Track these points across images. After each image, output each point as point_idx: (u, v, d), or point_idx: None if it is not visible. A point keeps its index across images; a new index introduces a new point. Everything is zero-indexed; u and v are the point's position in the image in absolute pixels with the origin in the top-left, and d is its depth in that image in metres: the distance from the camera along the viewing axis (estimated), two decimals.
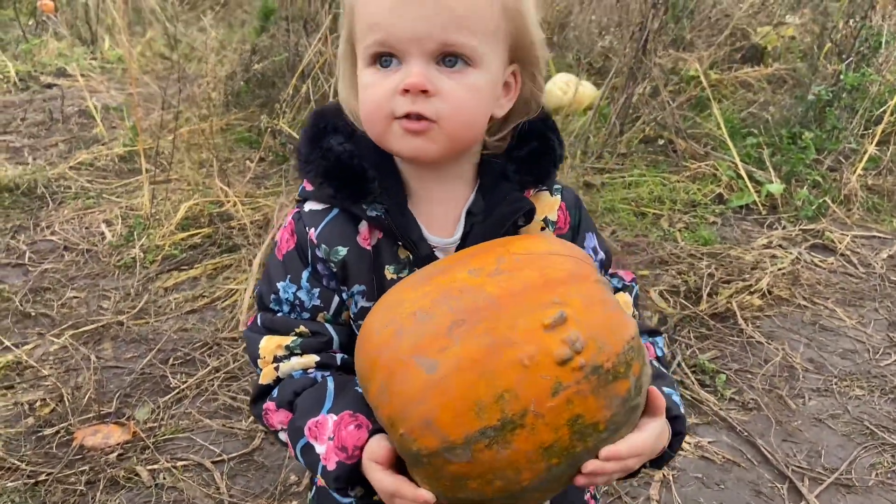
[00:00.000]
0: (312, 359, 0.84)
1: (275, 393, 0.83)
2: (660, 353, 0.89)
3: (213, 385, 2.06)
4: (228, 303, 2.51)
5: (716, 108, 3.96)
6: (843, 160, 3.79)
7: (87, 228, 3.08)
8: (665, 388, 0.80)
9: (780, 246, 3.03)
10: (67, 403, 1.95)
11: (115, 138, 4.21)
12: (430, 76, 0.73)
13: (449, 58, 0.74)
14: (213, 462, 1.74)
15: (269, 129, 3.91)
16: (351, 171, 0.80)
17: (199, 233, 2.98)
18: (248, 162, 3.88)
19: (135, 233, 2.97)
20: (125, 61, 6.01)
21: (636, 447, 0.71)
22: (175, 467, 1.72)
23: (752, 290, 2.61)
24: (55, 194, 3.40)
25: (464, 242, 0.82)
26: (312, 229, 0.82)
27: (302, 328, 0.84)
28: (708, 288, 2.59)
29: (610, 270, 0.93)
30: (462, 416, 0.63)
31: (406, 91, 0.73)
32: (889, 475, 1.82)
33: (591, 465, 0.68)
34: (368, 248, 0.83)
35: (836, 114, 3.97)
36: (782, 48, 5.65)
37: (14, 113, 4.75)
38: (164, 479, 1.69)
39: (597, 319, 0.67)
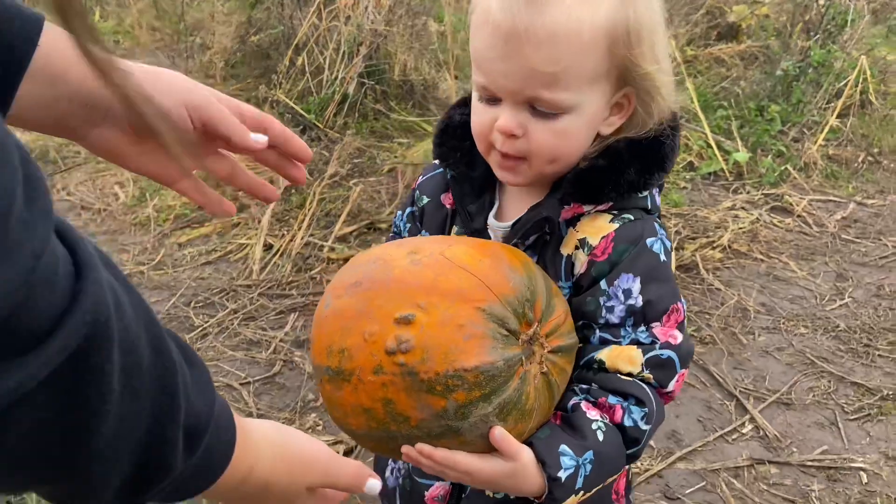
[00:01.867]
0: None
1: None
2: (626, 423, 0.78)
3: (233, 324, 2.31)
4: (240, 255, 2.75)
5: (689, 84, 4.22)
6: (807, 131, 4.07)
7: (100, 190, 3.30)
8: (563, 447, 0.76)
9: (742, 208, 3.31)
10: None
11: None
12: (521, 120, 0.78)
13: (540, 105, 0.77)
14: (240, 384, 2.00)
15: (268, 100, 4.12)
16: (454, 134, 0.89)
17: None
18: None
19: (147, 194, 3.19)
20: (118, 33, 6.16)
21: (456, 462, 0.73)
22: None
23: (714, 245, 2.89)
24: (66, 159, 3.59)
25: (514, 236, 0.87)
26: (421, 178, 0.98)
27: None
28: (675, 243, 2.86)
29: (653, 325, 0.81)
30: (320, 349, 0.76)
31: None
32: (824, 396, 2.12)
33: (405, 449, 0.74)
34: (449, 206, 0.94)
35: (802, 88, 4.25)
36: (756, 26, 5.91)
37: None
38: None
39: (438, 337, 0.70)
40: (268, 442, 0.62)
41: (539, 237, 0.84)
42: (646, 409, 0.79)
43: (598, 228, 0.82)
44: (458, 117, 0.89)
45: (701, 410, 2.03)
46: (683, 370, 0.82)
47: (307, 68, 4.22)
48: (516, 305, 0.73)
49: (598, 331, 0.82)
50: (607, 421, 0.79)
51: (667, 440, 1.92)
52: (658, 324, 0.81)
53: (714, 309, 2.49)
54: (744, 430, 1.97)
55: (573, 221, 0.84)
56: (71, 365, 0.38)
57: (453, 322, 0.71)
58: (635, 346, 0.80)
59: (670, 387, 0.81)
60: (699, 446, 1.90)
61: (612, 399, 0.79)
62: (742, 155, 3.75)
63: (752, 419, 2.00)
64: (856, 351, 2.32)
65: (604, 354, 0.81)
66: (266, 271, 2.62)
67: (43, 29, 0.62)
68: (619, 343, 0.81)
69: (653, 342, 0.81)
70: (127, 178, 3.35)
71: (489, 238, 0.89)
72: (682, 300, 0.84)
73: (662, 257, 0.82)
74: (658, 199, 0.87)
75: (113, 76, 0.49)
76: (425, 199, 0.96)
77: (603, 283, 0.81)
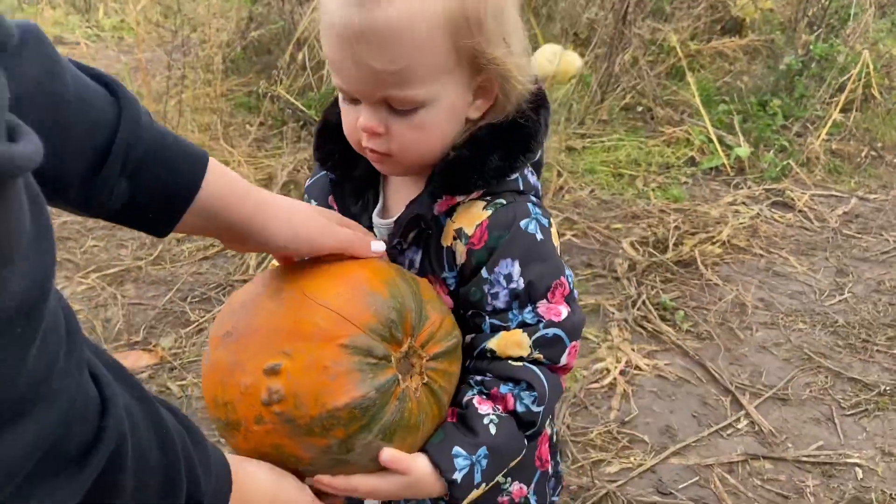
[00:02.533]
0: None
1: None
2: (519, 409, 0.81)
3: None
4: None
5: (690, 78, 4.20)
6: (810, 126, 4.04)
7: None
8: (456, 448, 0.79)
9: (743, 203, 3.29)
10: (100, 333, 2.19)
11: None
12: (381, 118, 0.78)
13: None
14: None
15: (268, 95, 4.12)
16: (332, 135, 0.88)
17: None
18: (247, 126, 4.09)
19: None
20: (121, 29, 6.17)
21: (355, 487, 0.78)
22: (201, 382, 1.98)
23: (713, 240, 2.88)
24: None
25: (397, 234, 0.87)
26: (309, 180, 0.98)
27: None
28: (674, 239, 2.85)
29: (539, 304, 0.83)
30: (209, 401, 0.80)
31: None
32: (821, 392, 2.10)
33: (307, 481, 0.78)
34: (336, 208, 0.94)
35: (805, 82, 4.22)
36: (760, 20, 5.87)
37: None
38: (193, 391, 1.95)
39: (306, 382, 0.72)
40: (261, 493, 0.72)
41: (419, 232, 0.86)
42: (535, 393, 0.81)
43: (472, 217, 0.83)
44: (333, 118, 0.88)
45: (696, 406, 2.02)
46: (573, 342, 0.85)
47: (308, 63, 4.21)
48: (381, 330, 0.75)
49: (487, 318, 0.84)
50: (500, 412, 0.82)
51: (660, 435, 1.91)
52: (544, 301, 0.83)
53: (711, 304, 2.48)
54: (739, 426, 1.96)
55: (451, 212, 0.85)
56: (94, 482, 0.49)
57: (318, 365, 0.72)
58: (521, 330, 0.83)
59: (563, 361, 0.84)
60: (693, 441, 1.89)
61: (503, 388, 0.82)
62: (744, 150, 3.73)
63: (748, 414, 1.99)
64: (854, 346, 2.31)
65: (493, 343, 0.83)
66: (262, 267, 2.62)
67: (207, 167, 0.71)
68: (507, 327, 0.83)
69: (538, 321, 0.83)
70: None
71: (373, 232, 0.90)
72: (568, 272, 0.86)
73: (539, 236, 0.83)
74: (533, 179, 0.87)
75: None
76: (313, 203, 0.95)
77: (484, 272, 0.82)
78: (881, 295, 2.62)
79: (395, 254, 0.88)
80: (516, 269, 0.82)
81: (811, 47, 4.30)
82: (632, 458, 1.83)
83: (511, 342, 0.83)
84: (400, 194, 0.90)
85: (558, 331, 0.83)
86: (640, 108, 4.31)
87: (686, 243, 2.84)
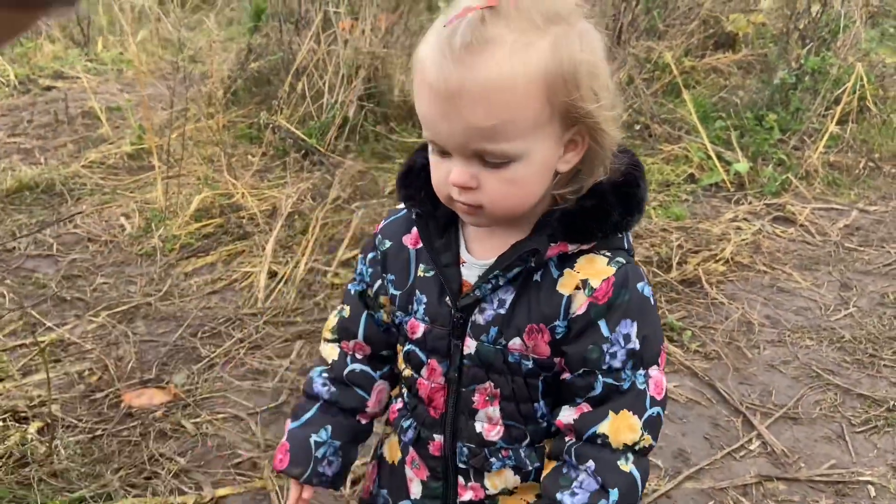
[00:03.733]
0: (333, 353, 1.05)
1: (311, 380, 1.06)
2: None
3: (239, 353, 2.33)
4: (245, 284, 2.77)
5: (686, 95, 4.24)
6: (807, 139, 4.08)
7: (106, 221, 3.33)
8: None
9: (745, 219, 3.31)
10: (112, 372, 2.21)
11: (121, 137, 4.44)
12: (473, 172, 0.79)
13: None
14: (248, 414, 2.02)
15: (269, 126, 4.16)
16: (418, 175, 0.90)
17: (212, 223, 3.23)
18: (249, 157, 4.13)
19: (153, 224, 3.22)
20: (121, 62, 6.23)
21: None
22: (215, 419, 1.99)
23: (717, 258, 2.90)
24: (73, 191, 3.63)
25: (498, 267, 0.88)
26: (383, 223, 1.00)
27: (347, 310, 1.04)
28: (678, 258, 2.87)
29: (651, 369, 0.87)
30: None
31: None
32: (831, 409, 2.12)
33: None
34: (413, 247, 0.95)
35: (800, 96, 4.26)
36: (753, 35, 5.94)
37: (20, 115, 4.96)
38: (207, 429, 1.96)
39: None
40: None
41: (520, 273, 0.86)
42: (612, 491, 0.86)
43: (598, 271, 0.85)
44: (420, 160, 0.90)
45: (707, 428, 2.03)
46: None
47: (307, 93, 4.26)
48: None
49: (601, 376, 0.86)
50: None
51: (674, 459, 1.92)
52: (655, 367, 0.87)
53: (718, 323, 2.50)
54: (751, 447, 1.97)
55: (563, 260, 0.87)
56: None
57: None
58: (630, 412, 0.86)
59: (658, 441, 0.88)
60: (706, 465, 1.90)
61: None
62: (743, 165, 3.76)
63: (759, 435, 2.00)
64: (861, 362, 2.32)
65: (606, 427, 0.85)
66: (271, 299, 2.64)
67: None
68: (619, 387, 0.86)
69: (645, 398, 0.87)
70: (132, 209, 3.39)
71: (458, 274, 0.90)
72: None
73: (651, 300, 0.87)
74: (630, 241, 0.91)
75: None
76: (387, 244, 0.97)
77: (604, 330, 0.84)
78: (885, 308, 2.64)
79: (485, 291, 0.88)
80: (634, 329, 0.85)
81: (803, 61, 4.34)
82: (647, 484, 1.83)
83: (624, 426, 0.86)
84: (486, 235, 0.91)
85: (660, 410, 0.88)
86: (637, 127, 4.35)
87: (690, 262, 2.87)
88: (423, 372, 0.95)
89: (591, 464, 0.86)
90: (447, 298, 0.91)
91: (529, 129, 0.77)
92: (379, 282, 0.99)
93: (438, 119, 0.77)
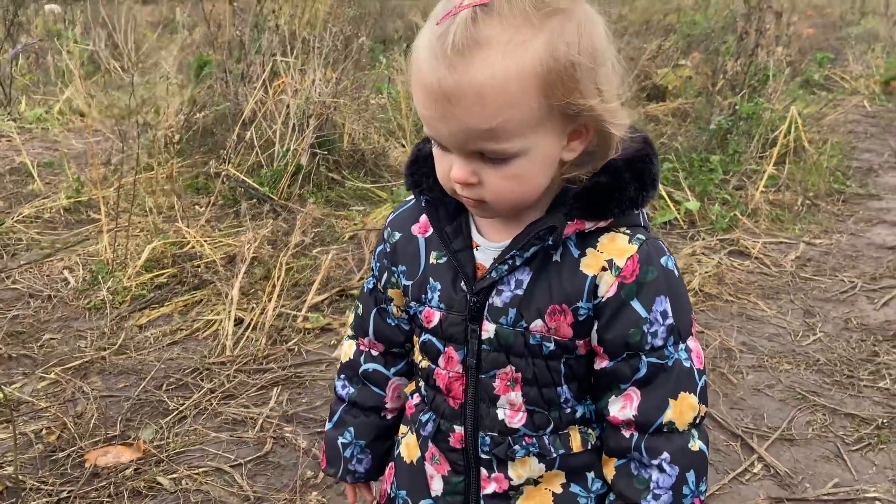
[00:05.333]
0: (350, 351, 1.07)
1: (335, 380, 1.11)
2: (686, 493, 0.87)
3: (211, 404, 2.17)
4: (210, 332, 2.61)
5: None
6: (746, 179, 4.25)
7: (47, 276, 3.11)
8: None
9: (703, 254, 3.38)
10: (73, 429, 2.01)
11: (55, 191, 4.22)
12: (473, 169, 0.78)
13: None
14: (230, 466, 1.86)
15: (218, 175, 4.04)
16: (424, 162, 0.89)
17: (164, 273, 3.06)
18: (197, 207, 3.98)
19: (99, 277, 3.02)
20: (45, 120, 5.99)
21: None
22: (195, 474, 1.83)
23: (687, 289, 2.93)
24: (7, 247, 3.40)
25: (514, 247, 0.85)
26: (391, 216, 0.98)
27: (360, 308, 1.04)
28: None
29: (689, 341, 0.87)
30: None
31: None
32: (823, 429, 2.12)
33: None
34: (422, 235, 0.93)
35: (736, 139, 4.46)
36: (681, 87, 6.24)
37: None
38: (187, 484, 1.79)
39: None
40: None
41: (537, 253, 0.85)
42: (703, 478, 0.89)
43: (621, 250, 0.83)
44: (426, 148, 0.89)
45: (710, 453, 2.00)
46: None
47: (256, 142, 4.17)
48: None
49: (644, 357, 0.85)
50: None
51: None
52: (691, 337, 0.88)
53: None
54: (755, 470, 1.94)
55: (582, 239, 0.85)
56: None
57: None
58: (688, 393, 0.86)
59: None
60: (716, 490, 1.86)
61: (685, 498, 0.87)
62: (693, 204, 3.87)
63: (761, 458, 1.98)
64: (841, 383, 2.36)
65: (671, 415, 0.85)
66: (240, 346, 2.49)
67: None
68: (664, 365, 0.85)
69: (692, 369, 0.87)
70: (75, 263, 3.18)
71: (472, 258, 0.88)
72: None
73: (676, 273, 0.87)
74: (646, 216, 0.91)
75: None
76: (396, 235, 0.96)
77: (640, 310, 0.83)
78: (851, 332, 2.71)
79: (501, 272, 0.86)
80: (668, 305, 0.84)
81: (738, 107, 4.56)
82: None
83: (686, 408, 0.86)
84: (495, 219, 0.89)
85: (705, 377, 0.89)
86: None
87: None
88: (440, 361, 0.92)
89: (665, 455, 0.86)
90: (462, 283, 0.89)
91: (528, 127, 0.75)
92: (386, 275, 0.98)
93: (437, 120, 0.76)
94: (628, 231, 0.84)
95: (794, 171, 4.31)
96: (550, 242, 0.83)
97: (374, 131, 4.73)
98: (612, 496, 0.90)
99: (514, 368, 0.88)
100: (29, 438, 1.97)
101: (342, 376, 1.07)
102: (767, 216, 3.92)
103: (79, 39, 7.15)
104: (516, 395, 0.89)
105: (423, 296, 0.92)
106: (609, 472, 0.90)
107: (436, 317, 0.90)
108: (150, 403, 2.19)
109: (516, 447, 0.90)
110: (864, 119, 6.16)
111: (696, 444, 0.87)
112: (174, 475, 1.84)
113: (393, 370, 1.04)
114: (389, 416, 1.06)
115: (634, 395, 0.86)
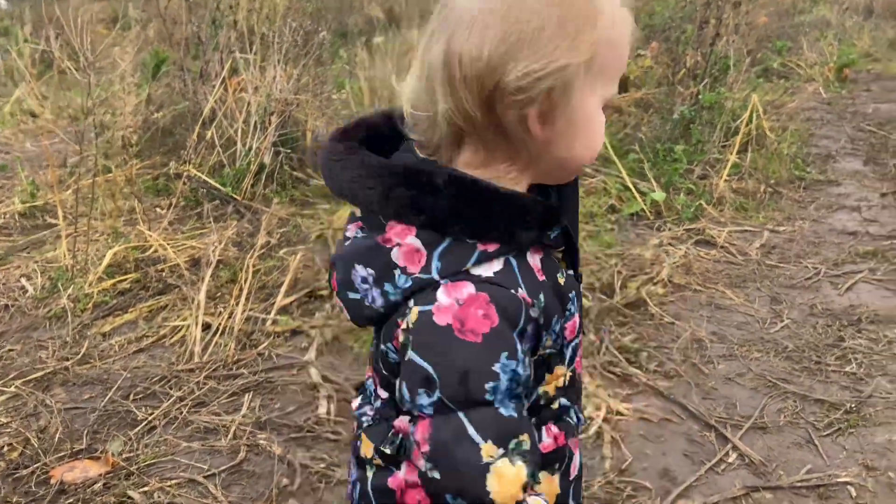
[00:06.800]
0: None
1: None
2: None
3: (181, 413, 2.11)
4: (176, 339, 2.55)
5: None
6: (710, 168, 4.29)
7: (4, 284, 3.01)
8: None
9: (670, 244, 3.41)
10: (36, 445, 1.95)
11: (8, 196, 4.09)
12: None
13: None
14: (204, 476, 1.82)
15: (179, 176, 3.94)
16: (505, 208, 0.74)
17: (127, 278, 2.98)
18: (158, 209, 3.89)
19: (59, 284, 2.93)
20: None
21: None
22: (167, 486, 1.78)
23: (655, 280, 2.95)
24: None
25: None
26: (519, 289, 0.74)
27: (524, 435, 0.73)
28: (619, 282, 2.90)
29: None
30: None
31: None
32: (794, 416, 2.16)
33: None
34: (542, 277, 0.79)
35: (699, 129, 4.50)
36: (643, 77, 6.28)
37: None
38: (160, 497, 1.74)
39: None
40: None
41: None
42: None
43: None
44: (491, 188, 0.75)
45: (685, 444, 2.01)
46: None
47: (217, 141, 4.08)
48: None
49: None
50: None
51: (660, 479, 1.89)
52: None
53: (671, 343, 2.52)
54: (729, 459, 1.96)
55: None
56: None
57: None
58: None
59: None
60: (693, 481, 1.87)
61: None
62: (659, 194, 3.90)
63: (735, 447, 2.00)
64: (810, 369, 2.40)
65: None
66: (208, 352, 2.44)
67: None
68: None
69: None
70: (33, 270, 3.08)
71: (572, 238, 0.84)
72: None
73: None
74: None
75: None
76: (542, 297, 0.77)
77: None
78: (817, 318, 2.76)
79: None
80: None
81: (700, 97, 4.61)
82: None
83: None
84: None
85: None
86: None
87: (630, 286, 2.90)
88: (579, 352, 0.88)
89: None
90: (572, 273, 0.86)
91: None
92: (530, 345, 0.78)
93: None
94: None
95: (757, 159, 4.37)
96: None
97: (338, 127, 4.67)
98: None
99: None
100: None
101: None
102: (732, 204, 3.96)
103: (28, 38, 6.94)
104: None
105: (567, 312, 0.83)
106: None
107: (577, 316, 0.85)
108: (117, 414, 2.13)
109: None
110: (821, 106, 6.28)
111: None
112: (145, 488, 1.79)
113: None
114: None
115: None
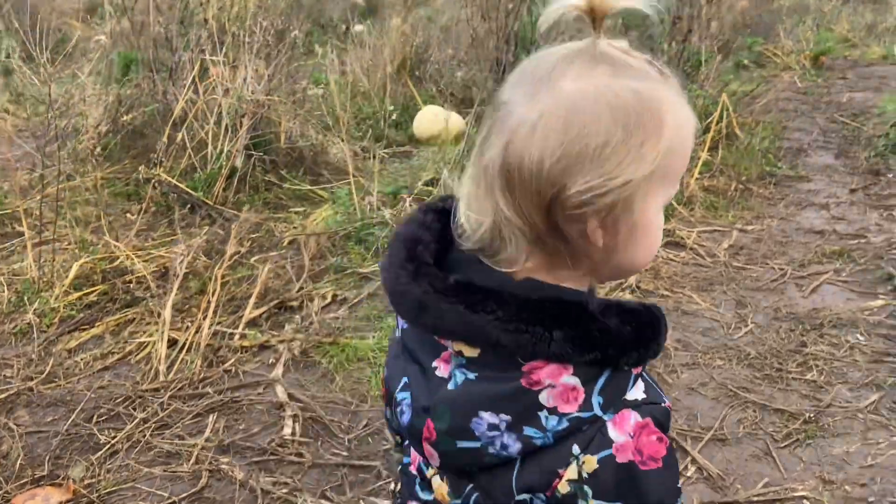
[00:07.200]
0: None
1: None
2: None
3: (144, 436, 2.11)
4: (142, 356, 2.54)
5: None
6: None
7: None
8: None
9: None
10: None
11: None
12: None
13: None
14: None
15: (149, 181, 3.91)
16: (660, 316, 0.73)
17: (95, 290, 2.96)
18: (128, 216, 3.86)
19: (25, 297, 2.91)
20: None
21: None
22: None
23: (622, 286, 2.97)
24: None
25: None
26: (666, 400, 0.73)
27: None
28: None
29: None
30: None
31: None
32: (753, 426, 2.19)
33: None
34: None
35: None
36: None
37: None
38: None
39: None
40: None
41: None
42: None
43: None
44: (590, 304, 0.70)
45: None
46: None
47: (188, 144, 4.05)
48: None
49: None
50: None
51: None
52: None
53: None
54: (688, 473, 1.99)
55: None
56: None
57: None
58: None
59: None
60: None
61: None
62: None
63: (694, 460, 2.03)
64: (771, 377, 2.43)
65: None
66: (174, 370, 2.44)
67: None
68: None
69: None
70: (0, 282, 3.05)
71: None
72: None
73: None
74: None
75: None
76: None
77: None
78: (780, 322, 2.79)
79: None
80: None
81: None
82: None
83: None
84: None
85: None
86: None
87: (599, 291, 2.92)
88: None
89: None
90: None
91: None
92: None
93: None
94: None
95: (727, 156, 4.39)
96: None
97: (312, 128, 4.64)
98: None
99: None
100: None
101: None
102: (702, 203, 3.99)
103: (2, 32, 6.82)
104: None
105: None
106: None
107: None
108: (80, 438, 2.12)
109: None
110: (796, 96, 6.32)
111: None
112: None
113: None
114: None
115: None
